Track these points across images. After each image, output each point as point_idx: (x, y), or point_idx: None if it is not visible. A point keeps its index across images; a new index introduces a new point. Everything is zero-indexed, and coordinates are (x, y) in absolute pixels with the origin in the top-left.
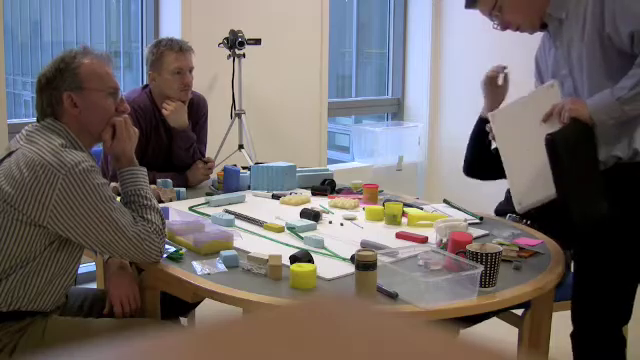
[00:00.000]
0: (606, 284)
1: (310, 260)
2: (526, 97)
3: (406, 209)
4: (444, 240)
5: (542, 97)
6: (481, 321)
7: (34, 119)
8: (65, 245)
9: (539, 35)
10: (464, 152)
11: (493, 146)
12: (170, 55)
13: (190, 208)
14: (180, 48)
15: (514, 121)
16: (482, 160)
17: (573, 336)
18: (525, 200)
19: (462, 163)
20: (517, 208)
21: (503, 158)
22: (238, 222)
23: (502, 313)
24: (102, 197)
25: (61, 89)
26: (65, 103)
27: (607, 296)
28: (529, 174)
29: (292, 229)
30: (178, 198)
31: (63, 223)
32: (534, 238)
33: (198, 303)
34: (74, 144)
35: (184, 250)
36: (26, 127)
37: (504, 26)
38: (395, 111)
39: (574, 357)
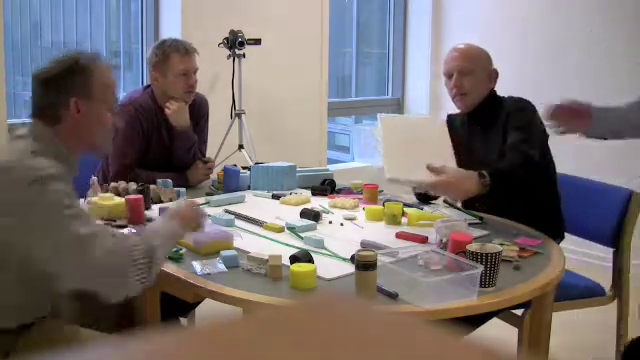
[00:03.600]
0: None
1: (310, 260)
2: (419, 117)
3: (406, 209)
4: (444, 240)
5: (431, 124)
6: (483, 323)
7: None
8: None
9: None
10: None
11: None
12: (176, 57)
13: None
14: (186, 50)
15: (401, 124)
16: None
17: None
18: (397, 173)
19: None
20: (387, 175)
21: (382, 140)
22: (238, 222)
23: (502, 313)
24: (55, 205)
25: (70, 93)
26: (71, 107)
27: None
28: (405, 156)
29: (292, 229)
30: (178, 198)
31: (19, 230)
32: (534, 238)
33: (198, 303)
34: (55, 152)
35: (184, 250)
36: (19, 129)
37: None
38: (395, 111)
39: None
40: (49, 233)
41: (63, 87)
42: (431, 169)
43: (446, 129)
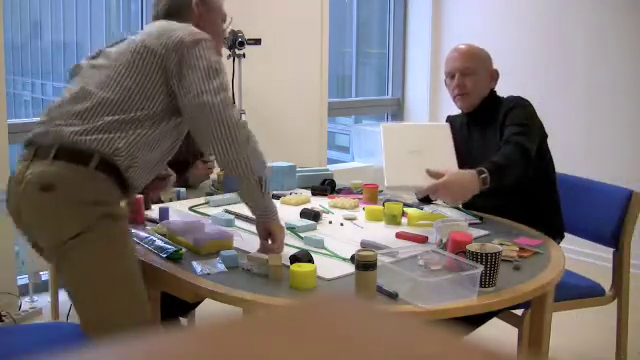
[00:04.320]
0: None
1: (310, 260)
2: (421, 124)
3: (406, 209)
4: (444, 240)
5: (434, 129)
6: (483, 323)
7: (34, 119)
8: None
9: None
10: None
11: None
12: None
13: (190, 208)
14: None
15: (403, 132)
16: None
17: None
18: (396, 181)
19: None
20: (386, 184)
21: (384, 149)
22: (238, 222)
23: (502, 313)
24: (214, 67)
25: None
26: (193, 7)
27: None
28: (406, 163)
29: (292, 229)
30: (178, 198)
31: (179, 67)
32: (534, 238)
33: (198, 303)
34: None
35: (184, 250)
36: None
37: None
38: (395, 111)
39: None
40: (201, 76)
41: None
42: (431, 174)
43: (449, 133)
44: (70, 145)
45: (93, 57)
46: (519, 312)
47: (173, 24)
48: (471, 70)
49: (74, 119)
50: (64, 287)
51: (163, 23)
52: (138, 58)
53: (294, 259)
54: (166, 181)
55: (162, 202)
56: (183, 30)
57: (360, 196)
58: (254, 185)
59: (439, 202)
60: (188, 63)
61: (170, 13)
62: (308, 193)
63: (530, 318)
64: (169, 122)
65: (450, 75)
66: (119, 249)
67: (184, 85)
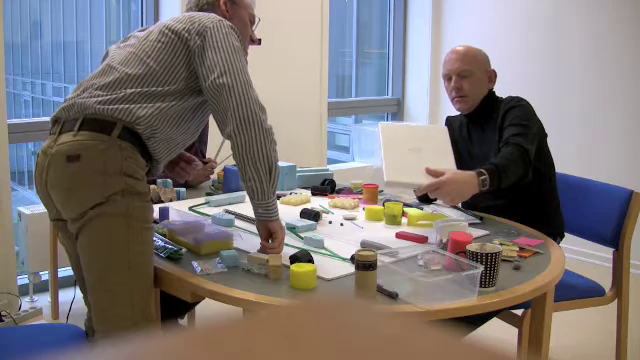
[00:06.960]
0: None
1: (310, 260)
2: (420, 125)
3: (406, 209)
4: (444, 240)
5: (432, 130)
6: (483, 323)
7: (34, 119)
8: (201, 120)
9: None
10: None
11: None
12: None
13: (190, 208)
14: None
15: (401, 132)
16: None
17: None
18: (396, 176)
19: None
20: (385, 179)
21: (383, 146)
22: (238, 222)
23: (502, 313)
24: (237, 50)
25: None
26: (221, 5)
27: None
28: (405, 161)
29: (292, 229)
30: (178, 198)
31: (204, 47)
32: (534, 238)
33: (197, 302)
34: None
35: (184, 250)
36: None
37: None
38: (395, 111)
39: None
40: (223, 58)
41: None
42: (430, 172)
43: (447, 136)
44: (93, 115)
45: (123, 41)
46: (519, 312)
47: (198, 13)
48: (468, 72)
49: (98, 91)
50: (82, 264)
51: (189, 12)
52: (162, 38)
53: (294, 259)
54: (191, 165)
55: (162, 202)
56: (207, 17)
57: (360, 196)
58: (264, 172)
59: (439, 202)
60: (211, 45)
61: (200, 9)
62: (308, 193)
63: (530, 318)
64: (189, 99)
65: (447, 77)
66: (136, 225)
67: (207, 66)
